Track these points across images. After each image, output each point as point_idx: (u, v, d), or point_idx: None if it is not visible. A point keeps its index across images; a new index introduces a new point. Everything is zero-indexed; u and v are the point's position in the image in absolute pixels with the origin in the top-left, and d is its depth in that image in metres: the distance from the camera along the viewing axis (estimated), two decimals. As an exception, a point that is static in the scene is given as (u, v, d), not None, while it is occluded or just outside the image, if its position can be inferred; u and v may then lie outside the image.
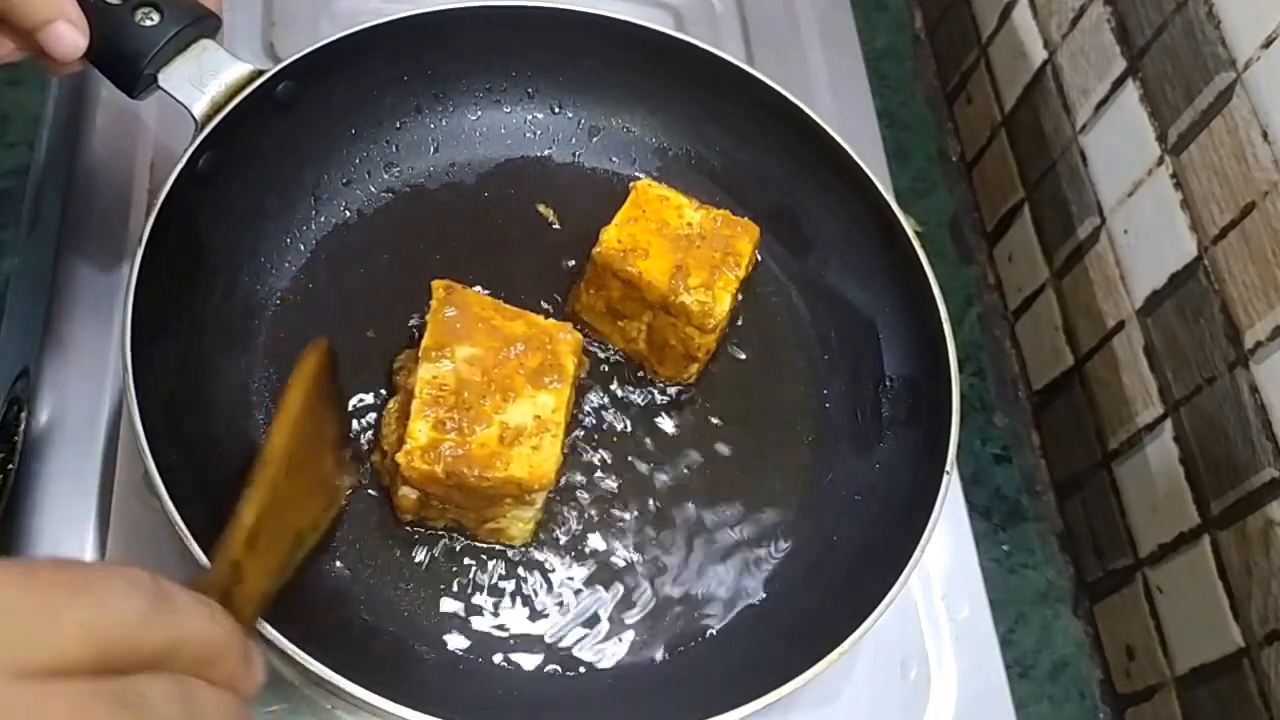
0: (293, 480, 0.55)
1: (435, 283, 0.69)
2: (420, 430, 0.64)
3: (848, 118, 0.94)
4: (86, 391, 0.73)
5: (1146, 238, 0.80)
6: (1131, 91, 0.81)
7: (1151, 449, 0.79)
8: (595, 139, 0.85)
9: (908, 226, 0.75)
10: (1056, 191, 0.90)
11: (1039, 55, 0.92)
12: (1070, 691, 0.82)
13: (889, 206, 0.76)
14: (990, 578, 0.79)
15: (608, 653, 0.68)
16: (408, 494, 0.66)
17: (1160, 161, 0.79)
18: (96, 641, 0.37)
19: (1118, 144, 0.83)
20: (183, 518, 0.57)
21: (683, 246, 0.72)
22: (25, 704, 0.36)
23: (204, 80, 0.69)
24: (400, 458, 0.63)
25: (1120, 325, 0.83)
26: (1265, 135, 0.69)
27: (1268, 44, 0.69)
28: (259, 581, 0.50)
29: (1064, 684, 0.82)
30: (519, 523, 0.68)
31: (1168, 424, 0.78)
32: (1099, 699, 0.83)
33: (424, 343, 0.67)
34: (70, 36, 0.61)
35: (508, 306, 0.70)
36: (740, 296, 0.78)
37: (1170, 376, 0.78)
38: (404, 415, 0.66)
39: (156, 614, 0.39)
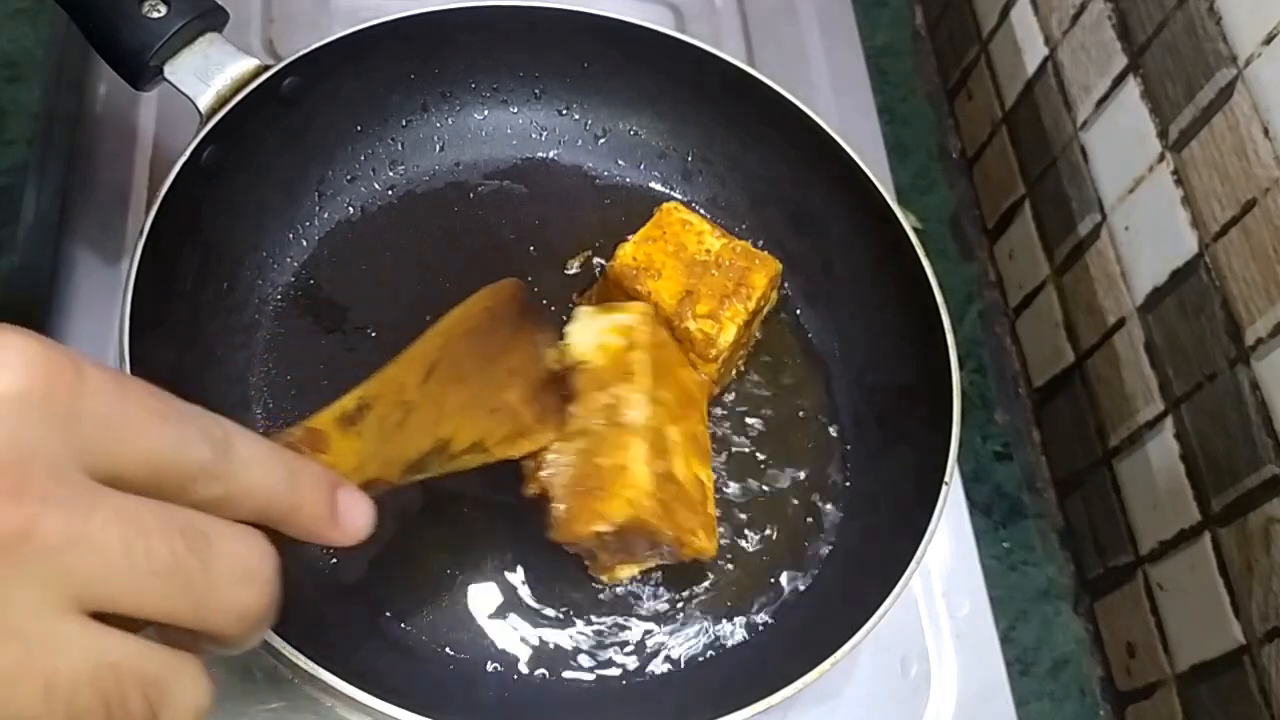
0: (438, 389, 0.56)
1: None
2: (643, 475, 0.61)
3: (848, 114, 0.94)
4: (86, 387, 0.72)
5: (1147, 234, 0.80)
6: (1132, 88, 0.81)
7: (1152, 446, 0.79)
8: (602, 141, 0.84)
9: (907, 224, 0.74)
10: (1057, 188, 0.90)
11: (1040, 52, 0.92)
12: (1071, 689, 0.82)
13: (889, 205, 0.75)
14: (991, 575, 0.79)
15: (600, 658, 0.68)
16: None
17: (1161, 158, 0.79)
18: (157, 471, 0.36)
19: (1119, 140, 0.83)
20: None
21: (696, 273, 0.72)
22: (80, 498, 0.34)
23: (210, 74, 0.69)
24: (631, 494, 0.61)
25: (1121, 322, 0.83)
26: (1266, 132, 0.69)
27: (1269, 40, 0.69)
28: (358, 460, 0.49)
29: (1064, 681, 0.82)
30: None
31: (1168, 421, 0.78)
32: (1099, 696, 0.83)
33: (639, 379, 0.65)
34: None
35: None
36: (758, 335, 0.78)
37: (1171, 373, 0.78)
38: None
39: (216, 464, 0.38)
